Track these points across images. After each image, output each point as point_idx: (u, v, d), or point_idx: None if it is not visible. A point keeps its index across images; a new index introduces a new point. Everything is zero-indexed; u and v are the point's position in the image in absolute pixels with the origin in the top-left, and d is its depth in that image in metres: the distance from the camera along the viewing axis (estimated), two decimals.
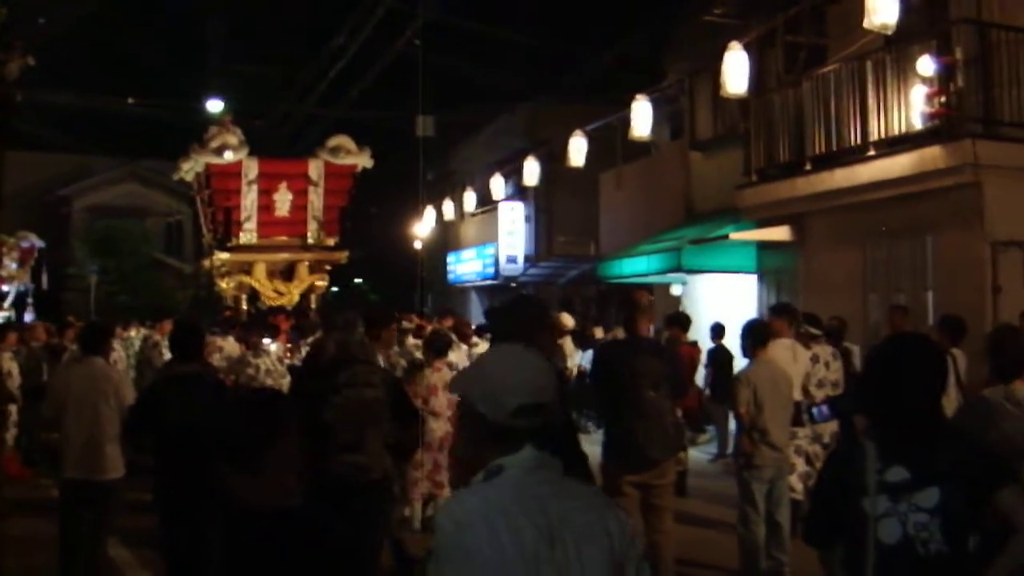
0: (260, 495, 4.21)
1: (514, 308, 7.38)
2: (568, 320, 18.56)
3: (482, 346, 16.47)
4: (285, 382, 14.21)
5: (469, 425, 3.80)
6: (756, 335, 11.25)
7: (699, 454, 19.27)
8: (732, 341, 17.77)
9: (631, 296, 10.72)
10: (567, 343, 18.19)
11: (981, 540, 4.46)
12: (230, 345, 17.41)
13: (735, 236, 21.32)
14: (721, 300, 23.12)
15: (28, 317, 36.47)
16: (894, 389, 4.64)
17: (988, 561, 4.46)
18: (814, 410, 9.94)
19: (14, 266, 38.43)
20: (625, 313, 10.29)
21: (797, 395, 11.89)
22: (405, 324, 18.63)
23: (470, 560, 3.50)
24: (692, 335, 18.26)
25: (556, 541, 3.56)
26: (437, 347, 13.75)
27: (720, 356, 19.55)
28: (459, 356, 15.47)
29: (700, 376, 19.70)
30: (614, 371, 9.71)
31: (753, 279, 22.35)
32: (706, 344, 20.34)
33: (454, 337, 16.29)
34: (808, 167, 19.14)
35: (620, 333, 11.16)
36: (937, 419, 4.77)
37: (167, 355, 11.75)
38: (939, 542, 4.38)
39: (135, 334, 22.36)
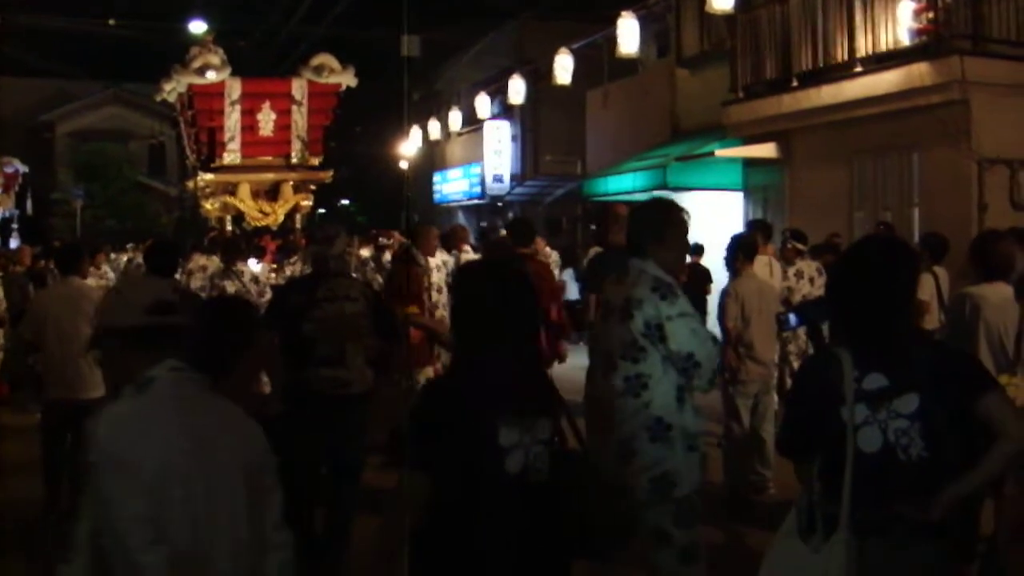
0: (233, 397, 4.19)
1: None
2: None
3: (471, 255, 16.47)
4: (261, 303, 14.09)
5: (114, 346, 4.27)
6: (744, 249, 11.21)
7: None
8: (713, 258, 17.79)
9: (609, 208, 10.59)
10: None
11: (960, 444, 4.43)
12: (214, 264, 17.38)
13: (721, 153, 21.25)
14: (707, 217, 23.03)
15: (14, 243, 36.54)
16: (863, 288, 4.58)
17: (967, 464, 4.43)
18: (782, 317, 9.88)
19: None
20: (604, 226, 10.15)
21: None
22: (383, 241, 18.57)
23: (125, 467, 3.67)
24: None
25: (204, 451, 3.83)
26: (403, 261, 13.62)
27: (695, 274, 19.41)
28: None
29: None
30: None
31: (739, 196, 22.34)
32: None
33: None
34: (795, 84, 19.09)
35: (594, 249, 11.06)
36: (910, 323, 4.71)
37: None
38: (920, 447, 4.35)
39: (125, 257, 22.30)
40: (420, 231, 13.59)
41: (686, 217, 6.54)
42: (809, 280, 13.70)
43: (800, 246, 14.09)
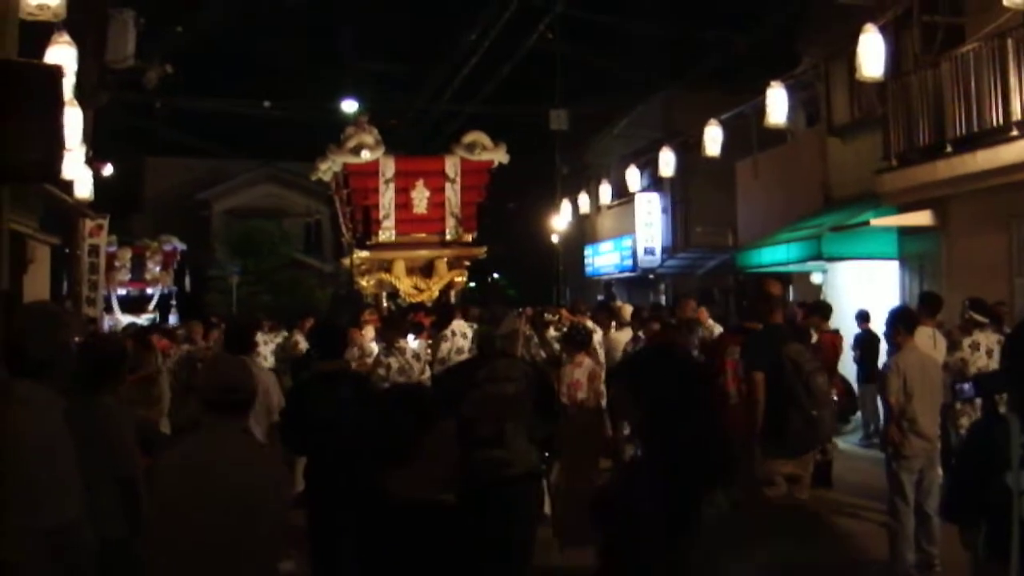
0: (410, 486, 4.25)
1: None
2: (628, 310, 18.48)
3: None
4: (423, 379, 14.26)
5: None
6: (905, 322, 11.06)
7: (843, 444, 18.97)
8: (877, 326, 17.58)
9: (763, 287, 10.52)
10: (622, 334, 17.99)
11: None
12: (368, 339, 17.69)
13: (876, 222, 21.00)
14: (862, 287, 22.84)
15: (172, 319, 37.39)
16: None
17: None
18: (958, 387, 9.66)
19: (157, 269, 39.57)
20: (762, 304, 10.09)
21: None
22: (548, 317, 18.65)
23: (169, 483, 5.49)
24: (834, 323, 18.01)
25: (221, 479, 5.28)
26: (576, 341, 13.65)
27: (867, 340, 19.35)
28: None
29: (842, 365, 19.42)
30: (772, 356, 9.36)
31: (895, 265, 22.05)
32: (851, 331, 20.02)
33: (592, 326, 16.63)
34: (949, 150, 18.82)
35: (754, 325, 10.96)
36: None
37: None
38: None
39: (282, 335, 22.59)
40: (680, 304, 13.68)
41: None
42: (987, 352, 13.28)
43: (979, 317, 13.69)
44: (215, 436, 5.58)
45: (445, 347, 15.74)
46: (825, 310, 16.93)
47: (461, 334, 15.81)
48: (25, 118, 7.31)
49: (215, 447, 5.47)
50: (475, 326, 15.72)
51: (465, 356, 14.99)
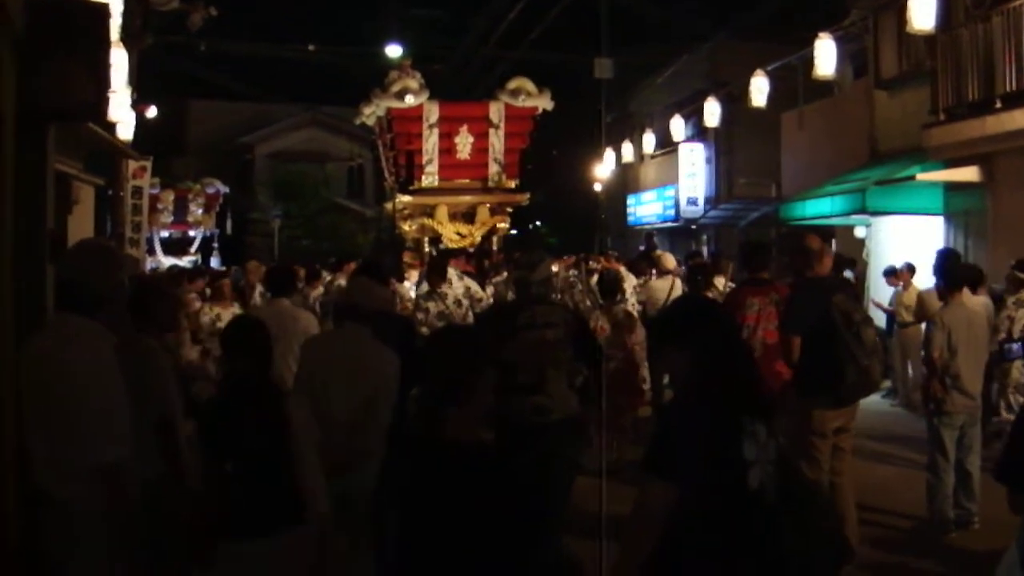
0: (464, 428, 4.25)
1: None
2: (670, 260, 18.33)
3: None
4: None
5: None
6: (952, 277, 10.96)
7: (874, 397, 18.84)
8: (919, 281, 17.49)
9: (802, 241, 10.39)
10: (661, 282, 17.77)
11: None
12: (413, 281, 17.76)
13: (922, 177, 20.80)
14: (906, 242, 22.66)
15: (214, 261, 37.57)
16: None
17: None
18: (1006, 346, 9.56)
19: (200, 211, 39.78)
20: (799, 258, 9.98)
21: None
22: (592, 265, 18.64)
23: (311, 355, 8.05)
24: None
25: (352, 368, 7.31)
26: (604, 290, 13.67)
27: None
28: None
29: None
30: (818, 309, 9.27)
31: (939, 221, 21.89)
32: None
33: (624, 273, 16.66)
34: (998, 105, 18.61)
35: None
36: None
37: None
38: None
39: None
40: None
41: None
42: None
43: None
44: (344, 332, 7.85)
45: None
46: (850, 266, 16.77)
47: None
48: (72, 57, 7.32)
49: (344, 340, 7.71)
50: (465, 277, 15.85)
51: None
